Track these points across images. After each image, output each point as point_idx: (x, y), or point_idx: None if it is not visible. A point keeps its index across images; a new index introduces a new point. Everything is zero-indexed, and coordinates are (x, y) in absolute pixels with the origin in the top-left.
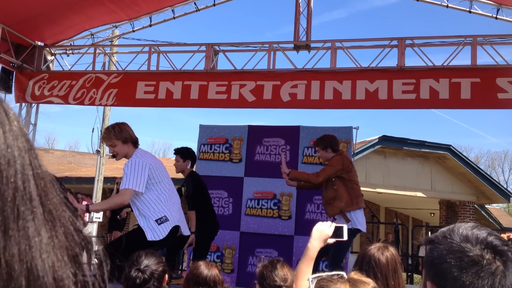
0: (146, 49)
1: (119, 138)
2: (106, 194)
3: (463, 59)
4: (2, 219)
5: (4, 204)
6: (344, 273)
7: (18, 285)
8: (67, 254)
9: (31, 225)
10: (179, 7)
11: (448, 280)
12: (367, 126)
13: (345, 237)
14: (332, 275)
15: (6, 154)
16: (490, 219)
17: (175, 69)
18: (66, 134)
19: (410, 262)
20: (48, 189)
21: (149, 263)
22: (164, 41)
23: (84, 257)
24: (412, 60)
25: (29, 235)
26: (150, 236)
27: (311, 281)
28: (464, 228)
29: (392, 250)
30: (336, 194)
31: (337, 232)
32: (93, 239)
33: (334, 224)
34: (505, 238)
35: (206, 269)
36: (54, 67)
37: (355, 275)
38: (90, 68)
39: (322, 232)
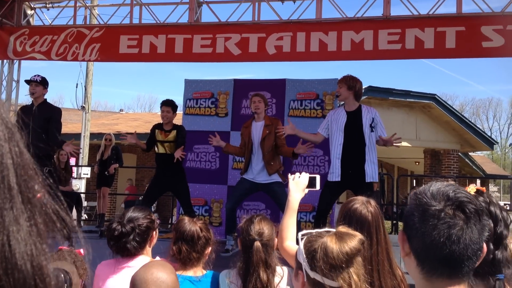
0: (128, 1)
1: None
2: (93, 150)
3: (449, 6)
4: None
5: None
6: (333, 230)
7: None
8: (46, 242)
9: (9, 214)
10: None
11: (412, 231)
12: None
13: (318, 187)
14: (321, 231)
15: None
16: (474, 167)
17: (158, 22)
18: (49, 89)
19: (395, 210)
20: (29, 177)
21: (133, 217)
22: None
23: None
24: (398, 9)
25: (7, 224)
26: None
27: (301, 237)
28: (435, 185)
29: (374, 204)
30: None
31: (311, 182)
32: (82, 195)
33: (307, 175)
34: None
35: (188, 224)
36: (35, 21)
37: (342, 228)
38: (71, 22)
39: (298, 183)
